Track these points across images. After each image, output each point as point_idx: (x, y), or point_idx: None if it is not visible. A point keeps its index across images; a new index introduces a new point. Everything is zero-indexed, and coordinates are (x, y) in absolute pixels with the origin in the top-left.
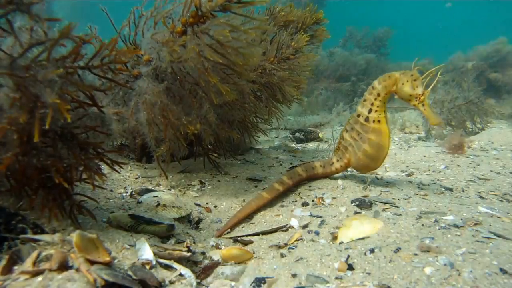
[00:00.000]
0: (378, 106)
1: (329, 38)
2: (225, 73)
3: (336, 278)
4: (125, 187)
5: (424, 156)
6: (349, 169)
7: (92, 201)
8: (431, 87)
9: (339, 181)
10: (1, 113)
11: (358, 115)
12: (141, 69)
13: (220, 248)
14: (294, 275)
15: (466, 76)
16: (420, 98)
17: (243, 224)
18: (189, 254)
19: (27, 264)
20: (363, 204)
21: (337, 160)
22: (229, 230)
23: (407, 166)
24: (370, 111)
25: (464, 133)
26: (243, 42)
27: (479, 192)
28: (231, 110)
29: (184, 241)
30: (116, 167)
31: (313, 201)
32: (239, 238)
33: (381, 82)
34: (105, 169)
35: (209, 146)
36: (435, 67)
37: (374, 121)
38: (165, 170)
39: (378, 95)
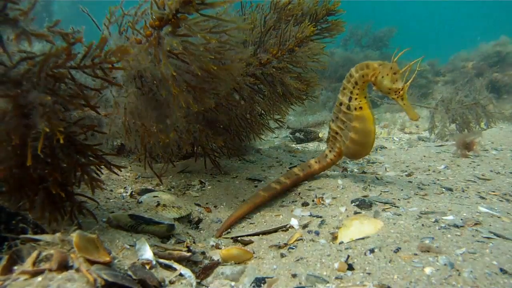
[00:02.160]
0: (357, 94)
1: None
2: (202, 80)
3: (336, 278)
4: (125, 187)
5: (424, 156)
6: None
7: (92, 201)
8: (410, 81)
9: (339, 181)
10: None
11: (340, 104)
12: (116, 74)
13: (220, 248)
14: (294, 275)
15: (482, 76)
16: (399, 92)
17: (243, 224)
18: (189, 254)
19: (27, 264)
20: (363, 204)
21: (330, 151)
22: (229, 230)
23: (407, 166)
24: (350, 99)
25: (466, 133)
26: (216, 45)
27: (479, 192)
28: (219, 114)
29: (184, 241)
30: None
31: (313, 201)
32: (239, 238)
33: (358, 70)
34: (104, 169)
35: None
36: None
37: (356, 108)
38: (163, 171)
39: (356, 83)
